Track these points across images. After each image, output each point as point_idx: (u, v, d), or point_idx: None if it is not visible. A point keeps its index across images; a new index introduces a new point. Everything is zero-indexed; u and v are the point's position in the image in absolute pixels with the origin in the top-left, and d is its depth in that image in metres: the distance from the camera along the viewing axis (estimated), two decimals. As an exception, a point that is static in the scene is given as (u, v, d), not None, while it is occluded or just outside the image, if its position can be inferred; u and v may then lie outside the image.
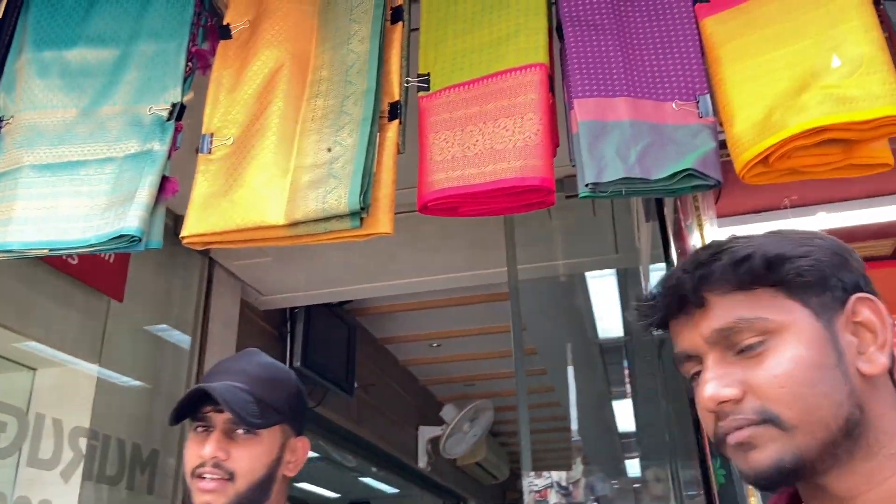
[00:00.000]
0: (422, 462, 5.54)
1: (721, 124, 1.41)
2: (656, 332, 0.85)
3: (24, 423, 2.35)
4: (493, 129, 1.44)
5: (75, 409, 2.44)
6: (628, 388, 4.62)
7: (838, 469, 0.73)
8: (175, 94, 1.63)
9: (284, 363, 3.73)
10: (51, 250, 1.51)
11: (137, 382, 2.71)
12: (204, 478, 1.21)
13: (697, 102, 1.43)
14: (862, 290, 0.77)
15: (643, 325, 0.85)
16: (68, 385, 2.47)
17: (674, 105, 1.43)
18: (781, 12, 1.40)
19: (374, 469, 5.46)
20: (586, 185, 1.35)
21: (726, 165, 1.38)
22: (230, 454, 1.22)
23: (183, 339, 2.99)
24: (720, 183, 1.35)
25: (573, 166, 1.41)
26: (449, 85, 1.55)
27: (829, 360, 0.73)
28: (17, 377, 2.45)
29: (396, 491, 6.29)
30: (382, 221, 1.42)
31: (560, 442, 5.38)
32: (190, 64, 1.68)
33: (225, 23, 1.73)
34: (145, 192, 1.49)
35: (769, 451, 0.72)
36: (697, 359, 0.79)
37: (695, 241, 1.72)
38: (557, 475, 4.73)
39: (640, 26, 1.53)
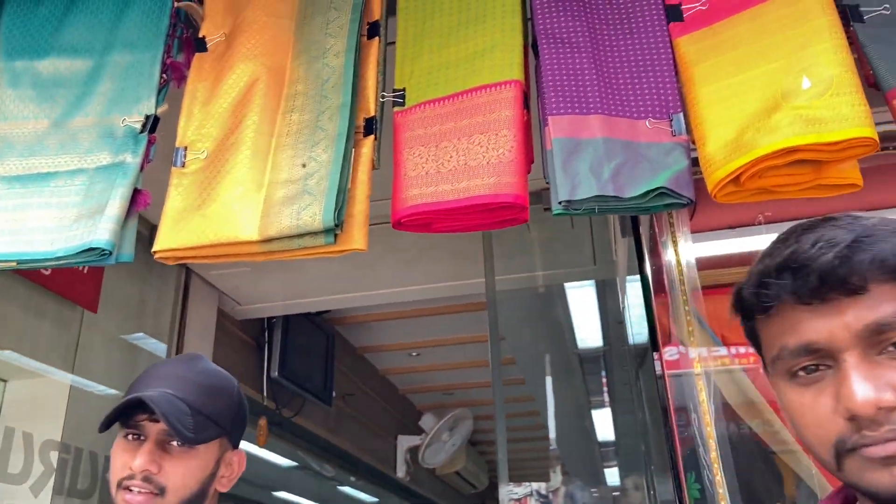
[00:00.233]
0: (400, 471, 5.53)
1: (694, 143, 1.42)
2: (760, 316, 0.74)
3: (-7, 437, 2.31)
4: (468, 145, 1.45)
5: (47, 422, 2.39)
6: (606, 397, 4.65)
7: None
8: (149, 106, 1.62)
9: (262, 373, 3.76)
10: (19, 262, 1.48)
11: (112, 391, 2.67)
12: (131, 490, 1.14)
13: (671, 121, 1.44)
14: None
15: (761, 307, 0.73)
16: (40, 397, 2.42)
17: (647, 123, 1.44)
18: (753, 33, 1.41)
19: (352, 478, 5.43)
20: (560, 203, 1.36)
21: (700, 183, 1.39)
22: (162, 468, 1.15)
23: (159, 348, 2.95)
24: (693, 201, 1.36)
25: (548, 183, 1.41)
26: (424, 100, 1.55)
27: None
28: (-14, 389, 2.41)
29: (375, 500, 6.26)
30: (356, 238, 1.42)
31: (539, 451, 5.40)
32: (164, 76, 1.67)
33: (200, 35, 1.72)
34: (116, 204, 1.47)
35: None
36: (822, 353, 0.69)
37: (669, 256, 1.73)
38: (537, 484, 4.75)
39: (615, 44, 1.54)
